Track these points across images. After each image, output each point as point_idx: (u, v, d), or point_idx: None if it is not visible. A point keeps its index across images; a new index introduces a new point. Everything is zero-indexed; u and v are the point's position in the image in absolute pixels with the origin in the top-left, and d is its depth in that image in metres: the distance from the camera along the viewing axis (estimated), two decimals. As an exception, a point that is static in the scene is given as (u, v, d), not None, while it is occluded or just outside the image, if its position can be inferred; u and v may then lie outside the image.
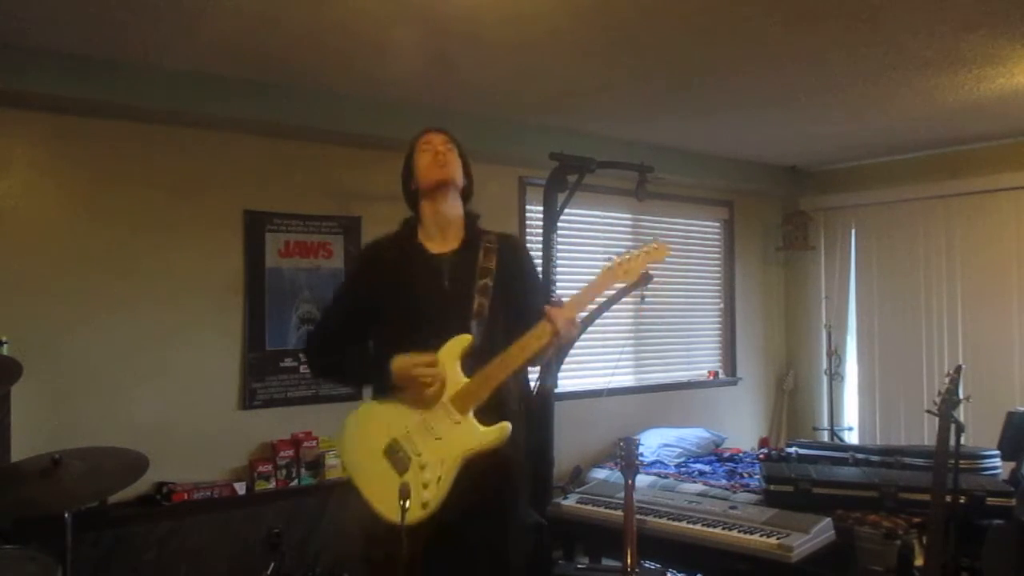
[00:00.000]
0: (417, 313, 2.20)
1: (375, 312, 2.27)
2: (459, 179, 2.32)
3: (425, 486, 2.05)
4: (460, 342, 2.13)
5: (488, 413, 2.11)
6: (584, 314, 4.08)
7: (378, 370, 2.16)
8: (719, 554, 3.41)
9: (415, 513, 2.00)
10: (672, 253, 6.20)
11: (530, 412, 3.84)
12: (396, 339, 2.18)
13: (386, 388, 2.17)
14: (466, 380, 2.12)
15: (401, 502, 1.92)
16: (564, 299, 2.20)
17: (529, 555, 3.40)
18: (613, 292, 4.03)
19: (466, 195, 2.37)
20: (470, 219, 2.35)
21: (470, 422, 2.09)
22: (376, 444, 2.15)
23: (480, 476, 2.08)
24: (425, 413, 2.12)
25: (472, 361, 2.13)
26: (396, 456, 2.11)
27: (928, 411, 3.29)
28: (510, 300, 2.24)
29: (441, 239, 2.29)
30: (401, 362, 2.12)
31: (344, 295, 2.45)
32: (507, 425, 2.08)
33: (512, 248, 2.35)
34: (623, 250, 2.26)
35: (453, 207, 2.31)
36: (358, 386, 2.32)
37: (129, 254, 3.65)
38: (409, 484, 1.98)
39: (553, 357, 2.29)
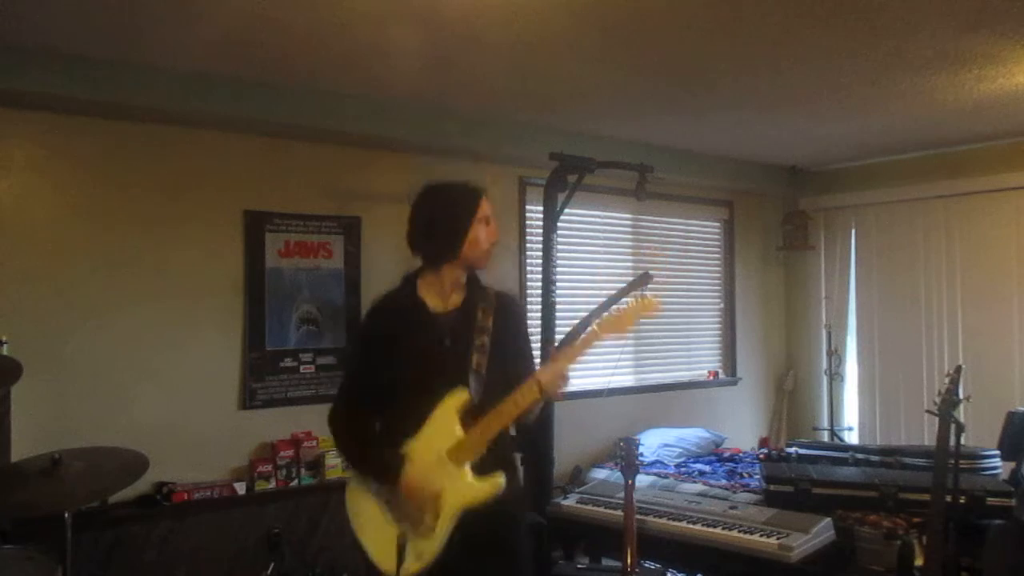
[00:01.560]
0: (419, 370, 2.26)
1: (387, 371, 2.31)
2: None
3: (422, 538, 2.14)
4: (458, 398, 2.20)
5: (484, 466, 2.17)
6: (577, 320, 4.11)
7: (388, 473, 2.20)
8: (719, 554, 3.41)
9: (411, 565, 2.11)
10: (671, 253, 6.22)
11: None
12: (398, 395, 2.26)
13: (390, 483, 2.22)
14: (463, 435, 2.18)
15: (398, 554, 2.05)
16: (557, 337, 2.24)
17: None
18: (612, 294, 4.05)
19: None
20: (473, 278, 2.38)
21: (466, 475, 2.16)
22: (375, 496, 2.25)
23: (478, 528, 2.13)
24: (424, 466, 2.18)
25: (470, 416, 2.20)
26: (394, 509, 2.21)
27: (928, 411, 3.30)
28: (505, 356, 2.30)
29: (442, 297, 2.33)
30: (412, 486, 2.16)
31: (359, 357, 2.49)
32: (500, 479, 2.14)
33: (507, 306, 2.39)
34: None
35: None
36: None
37: (129, 254, 3.65)
38: (406, 535, 2.11)
39: (546, 409, 2.34)
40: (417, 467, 2.17)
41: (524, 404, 2.16)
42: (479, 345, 2.27)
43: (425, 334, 2.29)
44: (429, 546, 2.12)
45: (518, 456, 2.55)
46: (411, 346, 2.28)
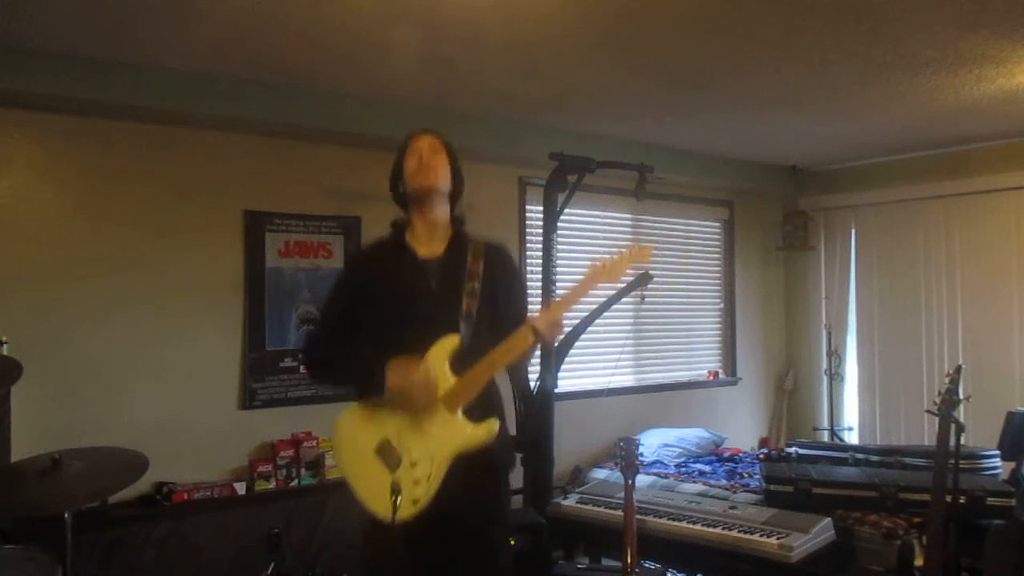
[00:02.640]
0: (406, 314, 2.25)
1: (367, 313, 2.30)
2: (444, 185, 2.35)
3: (416, 483, 2.11)
4: (449, 342, 2.19)
5: (477, 411, 2.17)
6: (576, 320, 4.10)
7: (372, 375, 2.19)
8: (719, 554, 3.41)
9: (406, 510, 2.07)
10: (671, 253, 6.22)
11: (530, 412, 3.84)
12: (386, 340, 2.22)
13: (379, 392, 2.19)
14: (454, 379, 2.17)
15: (392, 499, 1.98)
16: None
17: (527, 549, 3.42)
18: (612, 295, 4.05)
19: (455, 197, 2.40)
20: (456, 223, 2.40)
21: (459, 420, 2.15)
22: (368, 443, 2.21)
23: (469, 472, 2.13)
24: (417, 413, 2.17)
25: (460, 361, 2.18)
26: (387, 454, 2.18)
27: (928, 411, 3.29)
28: (496, 303, 2.30)
29: (429, 242, 2.34)
30: (397, 372, 2.15)
31: (337, 298, 2.47)
32: (494, 423, 2.15)
33: (499, 253, 2.40)
34: (614, 250, 2.30)
35: (440, 212, 2.36)
36: (352, 388, 2.36)
37: (129, 254, 3.65)
38: (400, 481, 2.04)
39: (547, 353, 2.34)
40: (407, 359, 2.14)
41: (518, 350, 2.16)
42: (469, 290, 2.26)
43: (413, 277, 2.29)
44: (424, 490, 2.10)
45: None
46: (398, 289, 2.28)
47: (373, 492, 2.15)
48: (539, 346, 2.22)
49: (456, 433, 2.14)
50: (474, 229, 2.45)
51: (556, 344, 2.36)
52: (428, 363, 2.16)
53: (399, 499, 1.98)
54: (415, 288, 2.28)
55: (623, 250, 2.23)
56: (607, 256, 2.23)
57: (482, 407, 2.19)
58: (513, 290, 2.40)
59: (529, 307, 2.44)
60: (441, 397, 2.16)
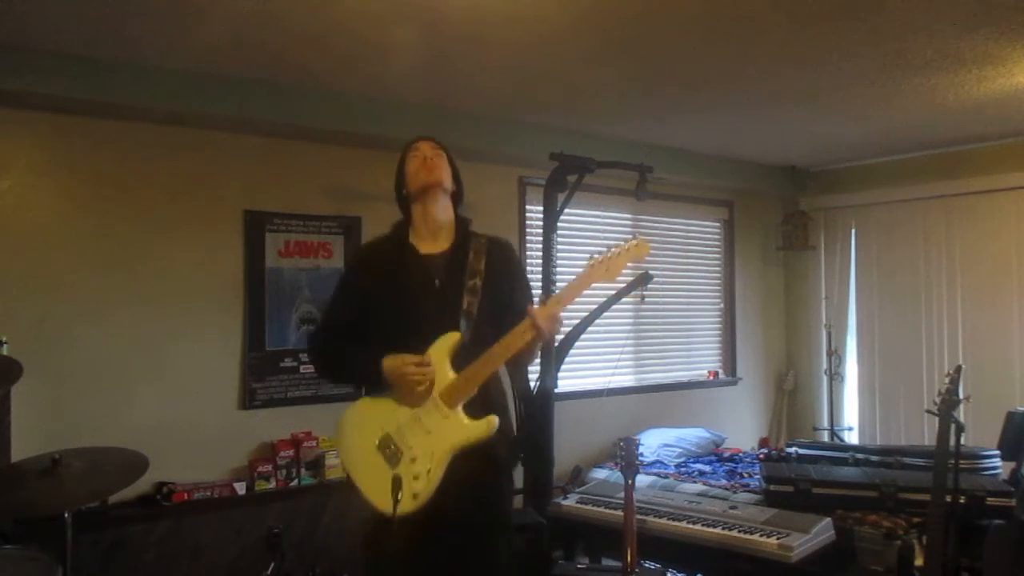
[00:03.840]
0: (409, 311, 2.28)
1: (371, 310, 2.33)
2: (447, 182, 2.40)
3: (416, 478, 2.14)
4: (449, 339, 2.21)
5: (477, 407, 2.19)
6: (576, 320, 4.10)
7: (372, 369, 2.23)
8: (719, 554, 3.41)
9: (407, 504, 2.09)
10: (671, 253, 6.21)
11: (530, 412, 3.84)
12: (389, 336, 2.26)
13: (379, 385, 2.25)
14: (455, 376, 2.19)
15: (393, 494, 2.00)
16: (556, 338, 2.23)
17: (525, 549, 3.43)
18: (612, 295, 4.04)
19: (456, 199, 2.45)
20: (461, 222, 2.44)
21: (458, 416, 2.17)
22: (370, 439, 2.24)
23: (469, 468, 2.15)
24: (416, 408, 2.20)
25: (461, 357, 2.21)
26: (388, 450, 2.21)
27: (928, 411, 3.29)
28: (498, 299, 2.31)
29: (432, 240, 2.38)
30: (392, 362, 2.20)
31: (341, 295, 2.49)
32: (494, 419, 2.16)
33: (501, 249, 2.42)
34: (611, 246, 2.27)
35: (443, 210, 2.39)
36: (356, 385, 2.39)
37: (129, 254, 3.65)
38: (401, 476, 2.07)
39: (548, 352, 2.35)
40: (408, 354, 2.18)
41: (517, 346, 2.17)
42: (470, 287, 2.28)
43: (415, 274, 2.31)
44: (425, 485, 2.13)
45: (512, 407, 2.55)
46: (401, 286, 2.30)
47: (375, 487, 2.18)
48: (540, 343, 2.23)
49: (456, 429, 2.16)
50: (477, 228, 2.47)
51: (556, 341, 2.36)
52: (427, 357, 2.18)
53: (400, 494, 2.01)
54: (418, 285, 2.30)
55: (621, 245, 2.22)
56: (605, 252, 2.22)
57: (483, 404, 2.20)
58: (515, 286, 2.41)
59: (532, 300, 2.43)
60: (441, 393, 2.18)
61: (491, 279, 2.31)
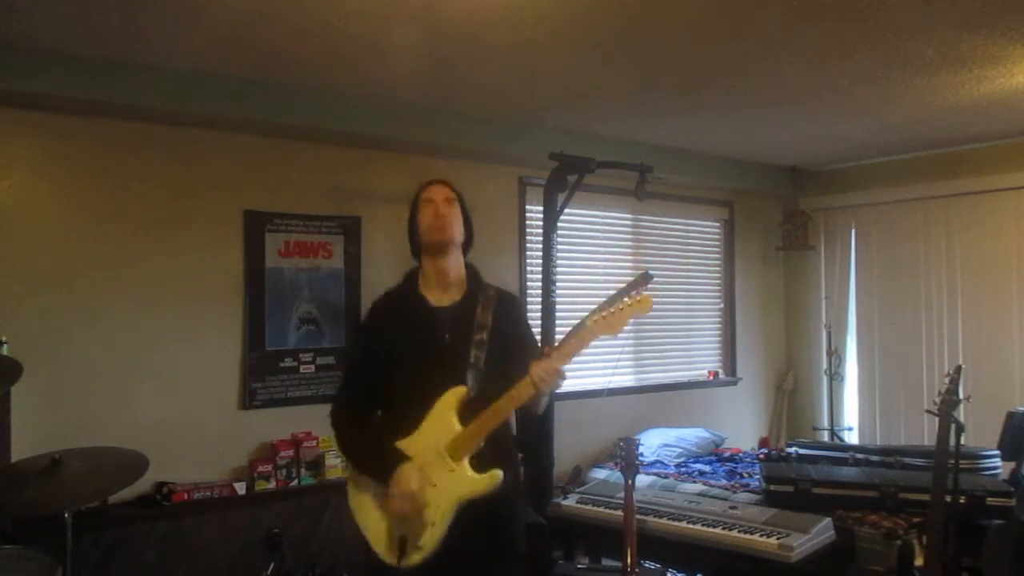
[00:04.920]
0: (418, 364, 2.31)
1: (384, 365, 2.37)
2: (458, 237, 2.42)
3: (421, 531, 2.19)
4: (456, 393, 2.26)
5: (485, 459, 2.23)
6: (573, 315, 4.11)
7: (383, 471, 2.26)
8: (719, 554, 3.41)
9: (412, 556, 2.17)
10: (671, 253, 6.21)
11: (529, 414, 3.84)
12: (402, 390, 2.31)
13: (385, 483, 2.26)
14: (461, 429, 2.23)
15: (398, 545, 2.10)
16: (557, 338, 2.24)
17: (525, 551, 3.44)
18: (613, 293, 4.04)
19: (466, 246, 2.47)
20: (471, 272, 2.46)
21: (464, 469, 2.21)
22: (375, 491, 2.30)
23: (476, 520, 2.19)
24: (422, 461, 2.24)
25: (468, 411, 2.24)
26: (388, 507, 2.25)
27: (928, 411, 3.29)
28: (504, 352, 2.34)
29: (442, 292, 2.41)
30: (395, 487, 2.21)
31: (357, 355, 2.57)
32: (498, 473, 2.20)
33: (507, 303, 2.45)
34: (607, 296, 2.30)
35: (454, 264, 2.42)
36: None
37: (129, 254, 3.65)
38: (407, 528, 2.16)
39: (545, 402, 2.38)
40: (410, 468, 2.22)
41: (520, 400, 2.20)
42: (478, 340, 2.31)
43: (426, 328, 2.35)
44: (429, 537, 2.18)
45: (519, 455, 2.59)
46: (412, 340, 2.34)
47: (379, 535, 2.27)
48: (544, 396, 2.27)
49: (460, 482, 2.20)
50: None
51: (558, 390, 2.39)
52: (418, 483, 2.20)
53: (406, 546, 2.09)
54: (429, 339, 2.34)
55: (625, 300, 2.24)
56: (608, 305, 2.24)
57: (491, 455, 2.24)
58: (521, 339, 2.45)
59: (535, 351, 2.43)
60: (447, 446, 2.22)
61: (497, 332, 2.35)
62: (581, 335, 2.23)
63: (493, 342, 2.32)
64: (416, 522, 2.19)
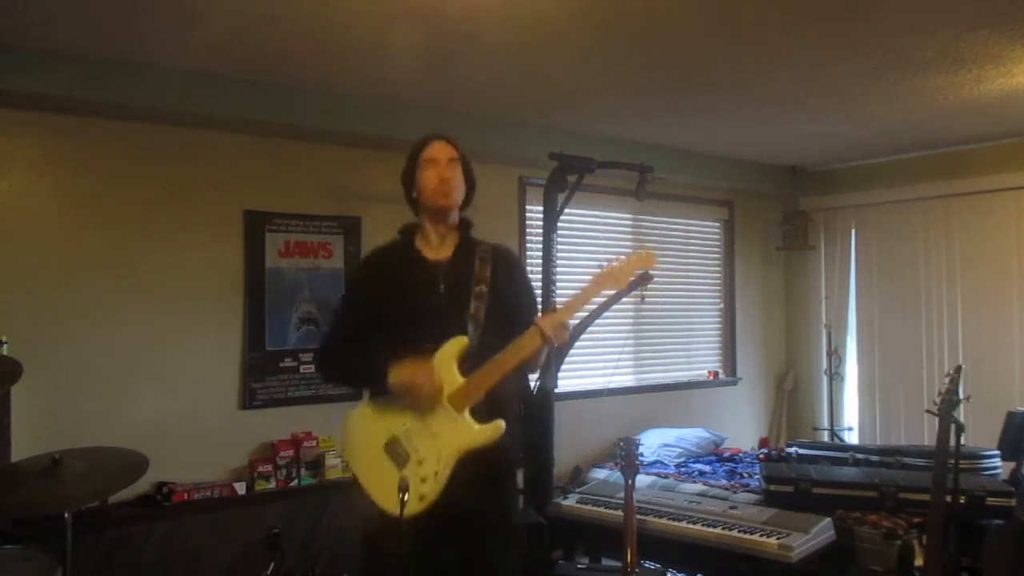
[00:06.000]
0: (416, 316, 2.29)
1: (378, 316, 2.35)
2: (460, 199, 2.40)
3: (423, 480, 2.17)
4: (457, 344, 2.23)
5: (484, 411, 2.21)
6: (576, 321, 4.12)
7: (377, 371, 2.24)
8: (719, 554, 3.41)
9: (413, 506, 2.11)
10: (671, 253, 6.19)
11: (530, 413, 3.85)
12: (397, 342, 2.26)
13: (384, 387, 2.25)
14: (462, 380, 2.21)
15: (400, 495, 2.02)
16: (559, 304, 2.26)
17: (526, 550, 3.45)
18: (611, 294, 4.04)
19: (466, 203, 2.45)
20: (464, 226, 2.44)
21: (466, 420, 2.19)
22: (376, 440, 2.27)
23: (476, 471, 2.17)
24: (423, 411, 2.21)
25: (468, 362, 2.22)
26: (395, 452, 2.24)
27: (928, 411, 3.29)
28: (504, 306, 2.32)
29: (438, 246, 2.39)
30: (400, 374, 2.21)
31: (348, 303, 2.52)
32: (501, 423, 2.18)
33: (506, 257, 2.44)
34: (616, 255, 2.31)
35: (452, 220, 2.41)
36: (361, 385, 2.43)
37: (129, 254, 3.65)
38: (408, 478, 2.09)
39: (549, 359, 2.38)
40: (410, 360, 2.19)
41: (525, 352, 2.19)
42: (477, 293, 2.30)
43: (420, 278, 2.33)
44: (431, 487, 2.16)
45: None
46: (406, 290, 2.32)
47: (381, 488, 2.21)
48: (547, 350, 2.27)
49: (462, 432, 2.18)
50: (476, 228, 2.47)
51: (569, 349, 2.40)
52: (433, 363, 2.20)
53: (406, 495, 2.03)
54: (424, 290, 2.32)
55: (628, 255, 2.27)
56: (612, 261, 2.25)
57: (491, 407, 2.22)
58: (520, 293, 2.43)
59: (537, 308, 2.46)
60: (449, 397, 2.20)
61: (497, 286, 2.33)
62: (586, 288, 2.25)
63: (493, 295, 2.30)
64: (435, 408, 2.17)
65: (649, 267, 2.27)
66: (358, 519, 2.32)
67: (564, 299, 2.36)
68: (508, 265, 2.42)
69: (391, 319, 2.32)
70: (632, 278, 2.30)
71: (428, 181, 2.35)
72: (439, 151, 2.37)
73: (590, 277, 2.28)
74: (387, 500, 2.15)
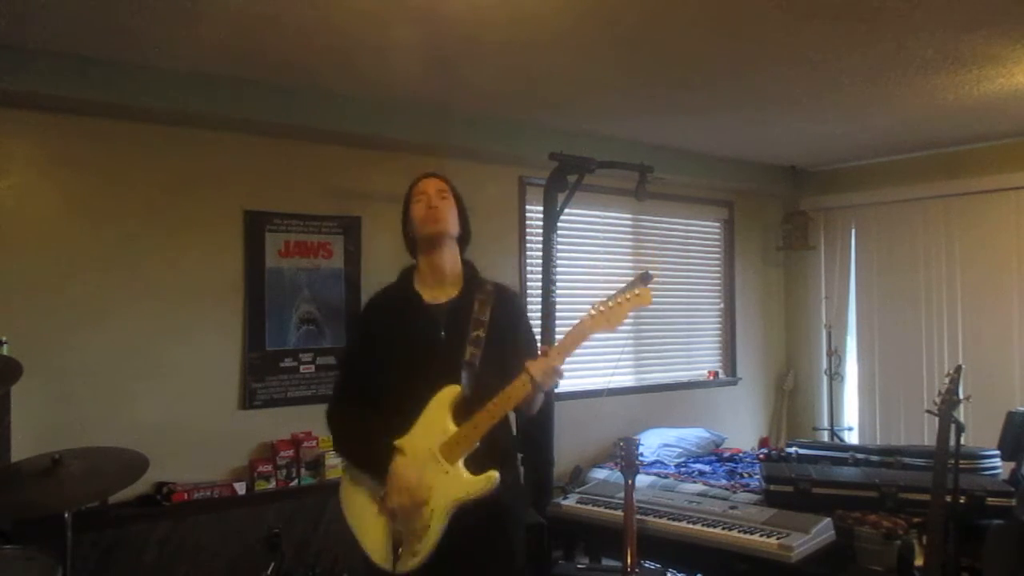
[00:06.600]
0: (413, 362, 2.25)
1: (379, 364, 2.31)
2: (453, 230, 2.35)
3: (416, 535, 2.12)
4: (450, 392, 2.18)
5: (482, 460, 2.15)
6: (573, 315, 4.11)
7: (374, 475, 2.21)
8: (719, 554, 3.41)
9: (407, 562, 2.11)
10: (672, 253, 6.20)
11: (529, 418, 3.84)
12: (398, 389, 2.25)
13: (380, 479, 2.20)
14: (455, 430, 2.16)
15: (394, 551, 2.04)
16: (557, 339, 2.19)
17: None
18: (613, 293, 4.04)
19: (463, 241, 2.41)
20: (468, 268, 2.40)
21: (458, 471, 2.14)
22: (372, 494, 2.23)
23: (472, 522, 2.12)
24: (416, 462, 2.16)
25: (463, 409, 2.18)
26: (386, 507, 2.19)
27: (928, 411, 3.29)
28: (502, 350, 2.28)
29: (438, 288, 2.34)
30: (389, 483, 2.15)
31: (352, 353, 2.49)
32: (494, 474, 2.12)
33: (505, 299, 2.38)
34: (607, 296, 2.23)
35: (450, 258, 2.36)
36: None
37: (129, 254, 3.65)
38: (402, 533, 2.10)
39: (550, 397, 2.32)
40: (407, 461, 2.15)
41: (516, 398, 2.14)
42: (474, 337, 2.25)
43: (421, 325, 2.29)
44: (424, 542, 2.11)
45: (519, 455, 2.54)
46: (407, 337, 2.28)
47: (375, 542, 2.19)
48: (539, 395, 2.21)
49: (455, 484, 2.12)
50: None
51: (556, 389, 2.35)
52: (416, 477, 2.13)
53: (400, 551, 2.04)
54: (424, 336, 2.28)
55: (623, 294, 2.20)
56: (607, 300, 2.19)
57: (488, 457, 2.16)
58: (518, 337, 2.38)
59: (536, 349, 2.38)
60: (441, 448, 2.15)
61: (495, 329, 2.28)
62: (579, 330, 2.19)
63: (491, 339, 2.26)
64: (413, 520, 2.12)
65: (645, 306, 2.22)
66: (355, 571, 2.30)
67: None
68: (506, 307, 2.36)
69: (392, 368, 2.28)
70: (628, 318, 2.22)
71: (418, 212, 2.33)
72: (428, 185, 2.36)
73: (584, 316, 2.20)
74: (380, 555, 2.15)
